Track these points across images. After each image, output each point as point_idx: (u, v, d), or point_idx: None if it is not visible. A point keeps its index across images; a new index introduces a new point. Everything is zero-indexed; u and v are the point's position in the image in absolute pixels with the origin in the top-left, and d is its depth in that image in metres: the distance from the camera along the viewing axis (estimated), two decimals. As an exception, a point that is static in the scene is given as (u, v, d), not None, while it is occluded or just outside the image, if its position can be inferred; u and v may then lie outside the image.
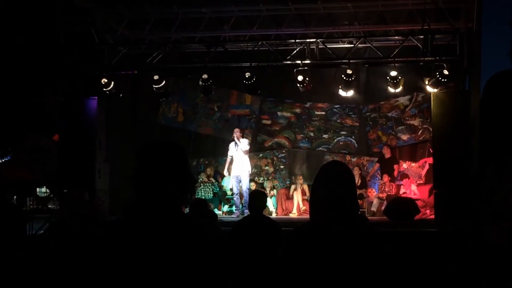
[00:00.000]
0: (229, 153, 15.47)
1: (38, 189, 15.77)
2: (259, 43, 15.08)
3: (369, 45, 15.04)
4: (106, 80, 14.83)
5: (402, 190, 16.02)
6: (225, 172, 15.95)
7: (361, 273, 3.25)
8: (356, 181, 16.48)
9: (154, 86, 15.06)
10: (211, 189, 17.12)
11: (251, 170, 15.63)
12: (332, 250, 3.28)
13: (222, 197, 16.92)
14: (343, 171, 3.56)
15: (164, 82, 15.09)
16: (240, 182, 15.12)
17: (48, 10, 15.52)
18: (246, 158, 15.16)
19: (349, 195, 3.50)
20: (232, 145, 15.38)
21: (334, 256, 3.26)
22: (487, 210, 11.74)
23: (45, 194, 16.14)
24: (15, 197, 13.95)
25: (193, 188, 3.19)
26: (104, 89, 14.89)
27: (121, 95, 15.47)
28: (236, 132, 15.35)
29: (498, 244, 9.44)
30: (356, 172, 16.56)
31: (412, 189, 15.97)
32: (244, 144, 15.12)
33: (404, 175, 16.35)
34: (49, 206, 15.39)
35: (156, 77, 14.90)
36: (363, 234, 3.39)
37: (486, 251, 9.33)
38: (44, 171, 14.45)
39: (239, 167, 15.08)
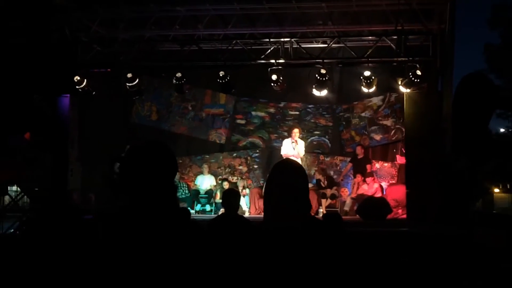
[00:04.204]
0: (284, 151, 14.98)
1: (9, 188, 15.62)
2: (234, 42, 15.09)
3: (343, 45, 15.14)
4: (79, 78, 14.75)
5: (365, 187, 16.06)
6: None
7: (310, 271, 3.25)
8: (323, 181, 16.55)
9: (127, 84, 15.01)
10: (185, 189, 17.12)
11: (227, 169, 15.43)
12: (285, 250, 3.27)
13: (195, 196, 16.87)
14: (295, 169, 3.54)
15: (137, 80, 15.04)
16: None
17: (22, 8, 15.35)
18: (299, 160, 14.68)
19: (302, 193, 3.48)
20: (288, 143, 15.04)
21: (289, 255, 3.26)
22: (463, 212, 11.87)
23: (17, 193, 16.00)
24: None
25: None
26: (77, 87, 14.80)
27: (94, 93, 15.36)
28: (296, 133, 15.03)
29: (484, 246, 9.54)
30: (319, 172, 16.82)
31: (374, 187, 16.01)
32: (300, 146, 14.89)
33: (369, 174, 16.40)
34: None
35: (129, 75, 14.84)
36: (314, 233, 3.39)
37: (469, 252, 9.43)
38: (16, 170, 14.32)
39: None
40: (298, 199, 3.41)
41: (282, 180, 3.44)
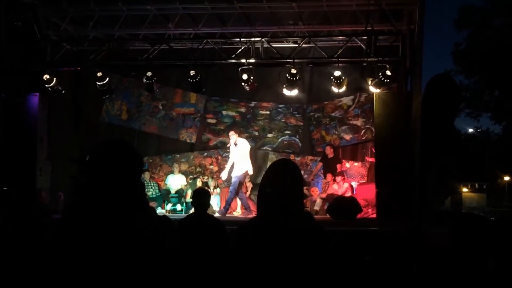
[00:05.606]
0: (230, 158, 15.24)
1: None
2: (204, 41, 15.07)
3: (313, 45, 15.19)
4: (48, 77, 14.60)
5: (335, 186, 16.14)
6: (224, 176, 15.72)
7: (305, 268, 3.29)
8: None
9: (97, 83, 14.89)
10: (155, 188, 17.04)
11: (197, 169, 15.39)
12: (278, 246, 3.30)
13: (165, 195, 16.81)
14: (291, 169, 3.61)
15: (107, 79, 14.93)
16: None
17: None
18: (245, 160, 14.93)
19: (296, 192, 3.55)
20: (232, 149, 15.22)
21: (280, 251, 3.29)
22: (428, 212, 11.98)
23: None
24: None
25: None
26: (46, 86, 14.66)
27: (63, 91, 15.24)
28: (232, 135, 15.21)
29: (438, 246, 9.65)
30: None
31: (344, 186, 16.10)
32: (243, 145, 15.00)
33: (339, 173, 16.49)
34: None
35: (99, 74, 14.73)
36: (309, 231, 3.43)
37: (427, 251, 9.53)
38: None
39: (237, 168, 14.86)
40: (292, 198, 3.46)
41: (278, 178, 3.50)
